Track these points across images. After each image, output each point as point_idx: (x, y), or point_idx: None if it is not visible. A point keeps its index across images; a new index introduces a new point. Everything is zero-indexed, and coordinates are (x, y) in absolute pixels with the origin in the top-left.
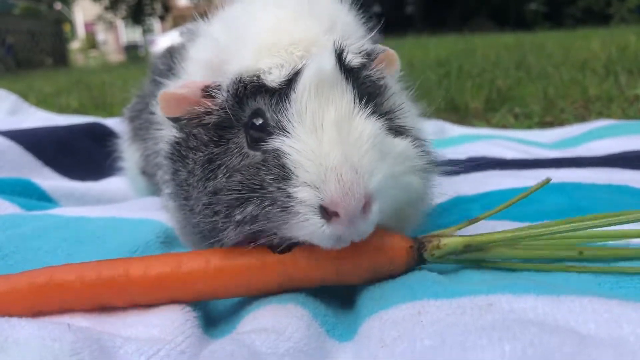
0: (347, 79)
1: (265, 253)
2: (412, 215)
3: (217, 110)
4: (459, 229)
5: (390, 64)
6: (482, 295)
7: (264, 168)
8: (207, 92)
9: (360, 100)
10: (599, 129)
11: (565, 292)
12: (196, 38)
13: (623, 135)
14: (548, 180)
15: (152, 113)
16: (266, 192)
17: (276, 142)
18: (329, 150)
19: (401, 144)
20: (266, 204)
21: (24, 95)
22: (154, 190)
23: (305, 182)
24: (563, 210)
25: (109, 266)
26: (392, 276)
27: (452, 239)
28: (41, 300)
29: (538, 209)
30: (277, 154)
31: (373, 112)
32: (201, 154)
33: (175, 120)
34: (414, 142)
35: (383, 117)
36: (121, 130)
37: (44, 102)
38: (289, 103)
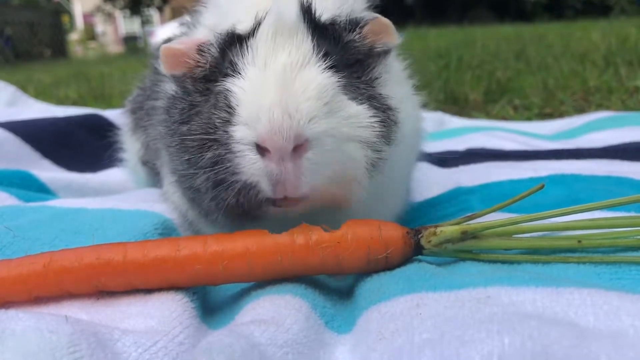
0: (313, 32)
1: (264, 236)
2: (356, 195)
3: (205, 63)
4: (457, 224)
5: (385, 35)
6: (480, 288)
7: (215, 110)
8: (201, 48)
9: (326, 56)
10: (599, 121)
11: (564, 284)
12: (203, 11)
13: (623, 126)
14: (542, 186)
15: (154, 99)
16: (216, 135)
17: (227, 83)
18: (268, 90)
19: (356, 108)
20: (218, 147)
21: (23, 87)
22: (154, 181)
23: (243, 121)
24: (562, 201)
25: (108, 249)
26: (390, 265)
27: (449, 227)
28: (40, 284)
29: (536, 201)
30: (225, 94)
31: (341, 76)
32: (185, 101)
33: (175, 78)
34: (377, 111)
35: (360, 85)
36: (122, 122)
37: (42, 94)
38: (248, 48)
